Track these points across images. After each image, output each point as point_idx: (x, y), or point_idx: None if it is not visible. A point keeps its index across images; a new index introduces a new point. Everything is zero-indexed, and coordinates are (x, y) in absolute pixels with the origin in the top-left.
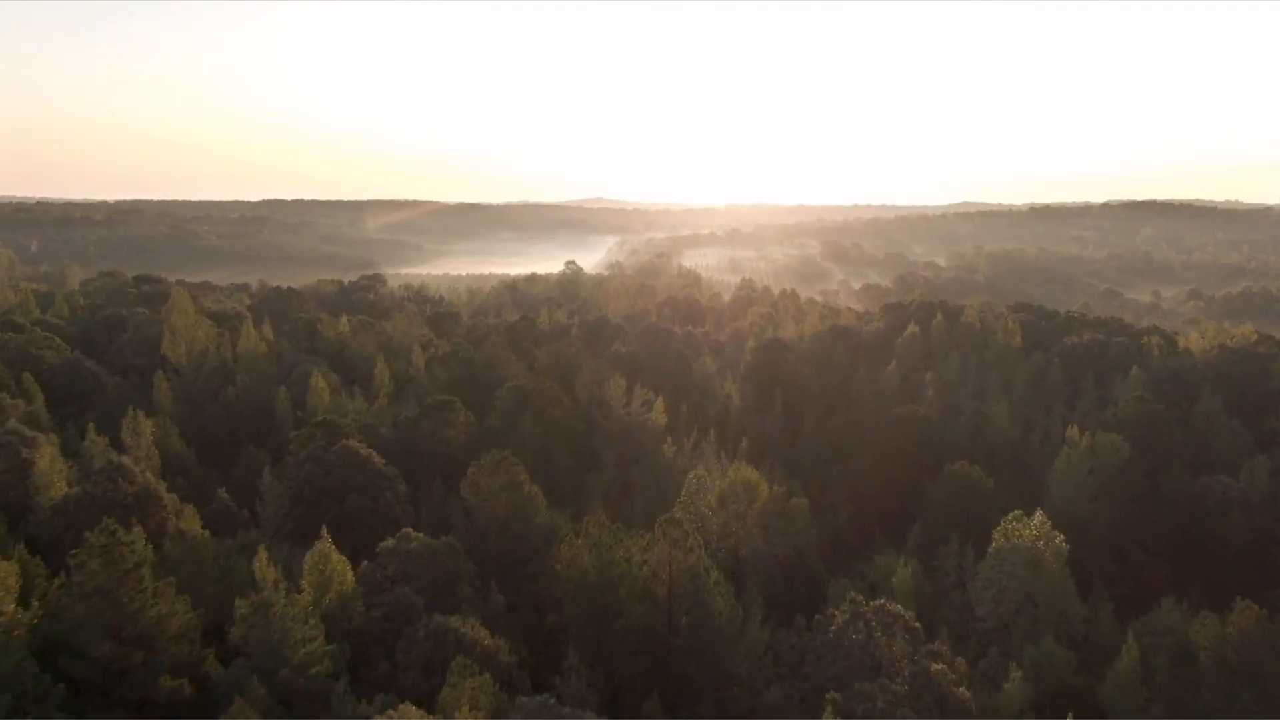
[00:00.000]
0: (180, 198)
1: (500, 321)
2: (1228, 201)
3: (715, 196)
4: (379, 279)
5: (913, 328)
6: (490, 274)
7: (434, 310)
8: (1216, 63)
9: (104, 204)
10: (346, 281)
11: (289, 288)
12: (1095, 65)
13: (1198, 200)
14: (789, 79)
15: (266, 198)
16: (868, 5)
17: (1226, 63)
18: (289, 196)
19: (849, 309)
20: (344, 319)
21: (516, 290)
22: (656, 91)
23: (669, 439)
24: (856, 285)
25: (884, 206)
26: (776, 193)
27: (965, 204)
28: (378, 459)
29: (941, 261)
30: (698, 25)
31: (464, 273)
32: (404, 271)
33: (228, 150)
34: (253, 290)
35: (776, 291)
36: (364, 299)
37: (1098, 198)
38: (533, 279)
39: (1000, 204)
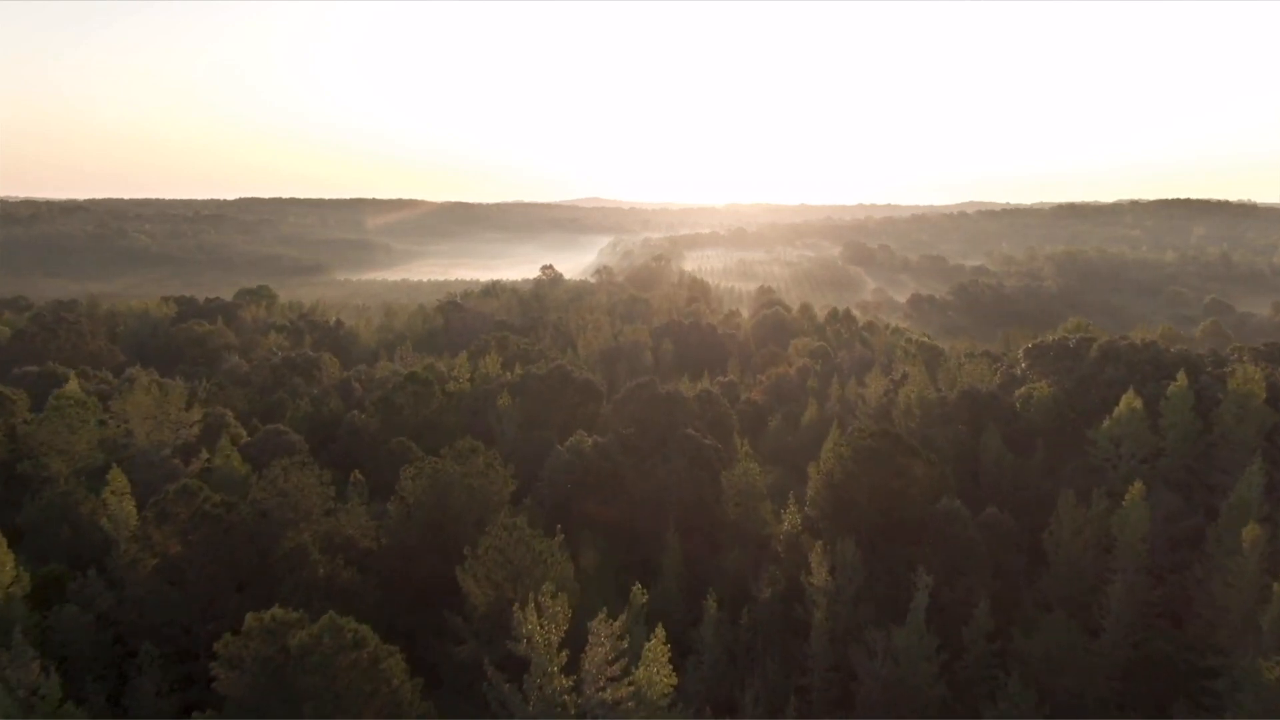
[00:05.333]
0: (165, 196)
1: (394, 374)
2: (1240, 200)
3: (714, 196)
4: (264, 293)
5: (1132, 400)
6: (458, 279)
7: (303, 352)
8: (1209, 63)
9: (37, 202)
10: (203, 300)
11: (59, 315)
12: (1092, 67)
13: (1207, 199)
14: (787, 78)
15: (244, 196)
16: (864, 4)
17: (1219, 63)
18: (269, 195)
19: (956, 350)
20: (73, 384)
21: (461, 310)
22: (654, 91)
23: None
24: (899, 296)
25: (890, 206)
26: (777, 192)
27: (972, 203)
28: None
29: (989, 265)
30: (696, 25)
31: (426, 279)
32: (355, 278)
33: (227, 151)
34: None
35: (796, 302)
36: (190, 333)
37: (1105, 196)
38: (492, 290)
39: (1009, 203)
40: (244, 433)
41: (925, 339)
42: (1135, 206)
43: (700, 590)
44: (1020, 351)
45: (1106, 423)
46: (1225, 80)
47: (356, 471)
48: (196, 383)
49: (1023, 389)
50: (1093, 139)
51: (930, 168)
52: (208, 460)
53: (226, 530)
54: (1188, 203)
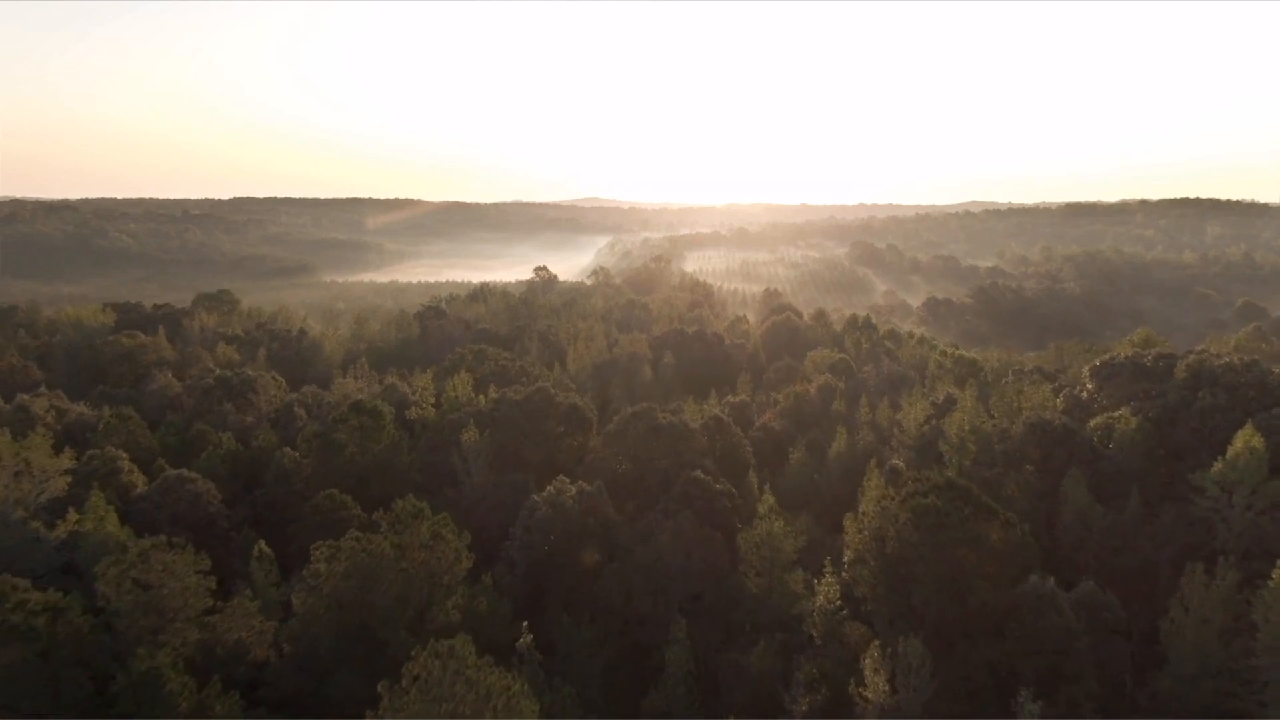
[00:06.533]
0: (161, 196)
1: (345, 398)
2: (1247, 200)
3: (714, 196)
4: (224, 297)
5: (1251, 436)
6: (450, 280)
7: (242, 370)
8: (1204, 64)
9: (23, 202)
10: (151, 306)
11: None
12: (1087, 67)
13: (1216, 198)
14: (786, 78)
15: (239, 195)
16: (862, 4)
17: (1214, 64)
18: (265, 195)
19: (989, 361)
20: None
21: (442, 316)
22: (654, 91)
23: None
24: (911, 299)
25: (893, 205)
26: (778, 191)
27: (975, 202)
28: None
29: (1003, 265)
30: (695, 25)
31: (416, 280)
32: (343, 279)
33: (225, 152)
34: None
35: (804, 305)
36: (117, 347)
37: (1105, 196)
38: (480, 294)
39: (1011, 203)
40: (141, 479)
41: (960, 352)
42: (1145, 206)
43: (715, 691)
44: (1085, 370)
45: (1216, 465)
46: (1221, 81)
47: (262, 543)
48: (102, 410)
49: (1098, 419)
50: (1089, 139)
51: (930, 167)
52: (77, 522)
53: (47, 651)
54: (1199, 202)
